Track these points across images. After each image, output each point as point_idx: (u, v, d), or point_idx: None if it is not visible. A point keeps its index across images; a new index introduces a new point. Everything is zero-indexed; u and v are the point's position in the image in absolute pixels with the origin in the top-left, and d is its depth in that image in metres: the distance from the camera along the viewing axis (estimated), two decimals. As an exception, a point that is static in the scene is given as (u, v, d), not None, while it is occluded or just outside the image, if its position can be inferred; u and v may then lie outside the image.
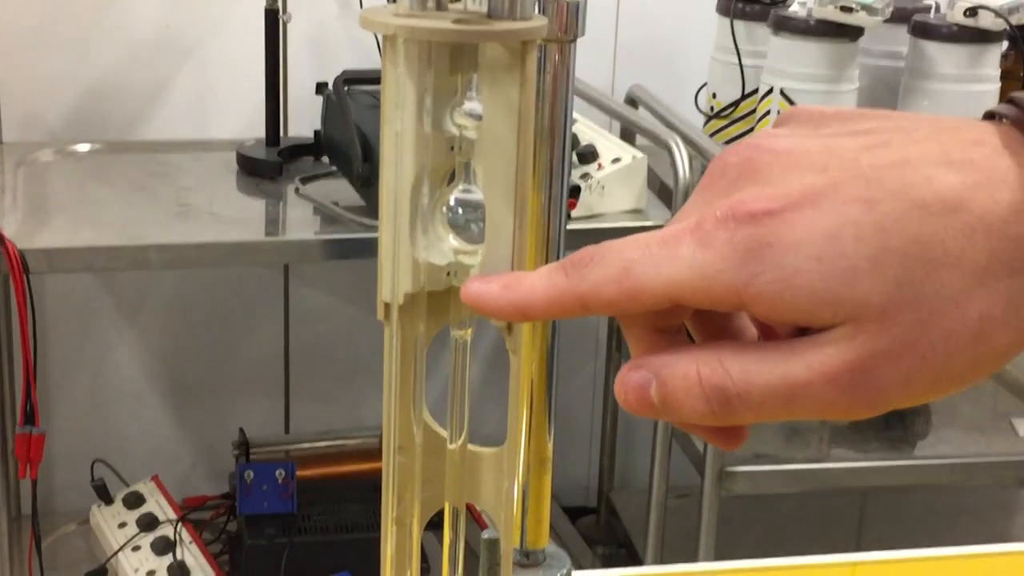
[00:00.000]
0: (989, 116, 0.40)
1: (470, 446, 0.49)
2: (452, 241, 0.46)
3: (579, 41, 0.58)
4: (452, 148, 0.45)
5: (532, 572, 0.57)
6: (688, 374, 0.39)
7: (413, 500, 0.48)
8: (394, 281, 0.46)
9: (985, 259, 0.37)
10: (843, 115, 0.42)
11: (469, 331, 0.48)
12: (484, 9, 0.44)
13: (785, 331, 0.41)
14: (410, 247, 0.45)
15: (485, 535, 0.56)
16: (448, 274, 0.46)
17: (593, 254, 0.41)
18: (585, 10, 0.56)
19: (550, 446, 0.56)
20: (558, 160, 0.49)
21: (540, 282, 0.41)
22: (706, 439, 0.43)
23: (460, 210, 0.46)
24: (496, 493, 0.48)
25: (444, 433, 0.49)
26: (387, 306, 0.46)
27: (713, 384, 0.39)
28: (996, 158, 0.38)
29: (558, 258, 0.49)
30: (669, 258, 0.39)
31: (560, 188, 0.52)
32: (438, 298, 0.47)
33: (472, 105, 0.45)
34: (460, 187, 0.46)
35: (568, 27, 0.55)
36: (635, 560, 2.05)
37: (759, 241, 0.38)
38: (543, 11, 0.56)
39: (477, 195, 0.46)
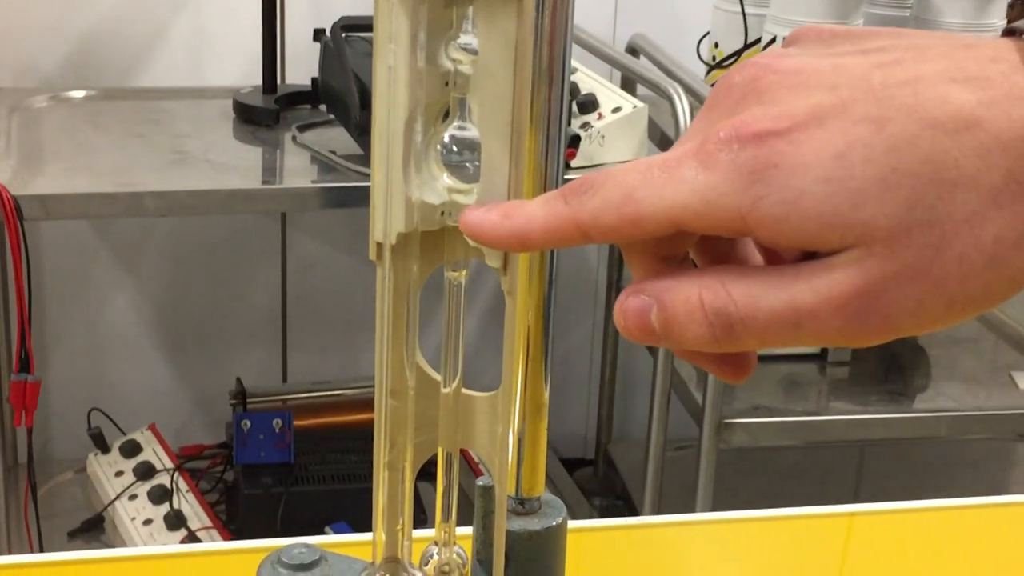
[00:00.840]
0: (1009, 32, 0.38)
1: (464, 390, 0.48)
2: (446, 180, 0.45)
3: (580, -16, 0.56)
4: (447, 84, 0.44)
5: (527, 520, 0.56)
6: (690, 298, 0.38)
7: (406, 445, 0.47)
8: (387, 220, 0.44)
9: (1000, 179, 0.36)
10: (854, 34, 0.40)
11: (464, 272, 0.47)
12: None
13: (791, 257, 0.40)
14: (403, 185, 0.44)
15: (480, 482, 0.56)
16: (442, 213, 0.45)
17: (593, 180, 0.40)
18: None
19: (546, 392, 0.55)
20: (556, 101, 0.48)
21: (539, 210, 0.40)
22: (711, 370, 0.42)
23: (455, 148, 0.45)
24: (490, 438, 0.47)
25: (438, 377, 0.48)
26: (379, 246, 0.45)
27: (716, 308, 0.38)
28: (1014, 74, 0.36)
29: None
30: (671, 182, 0.38)
31: (558, 131, 0.50)
32: (432, 238, 0.46)
33: (467, 39, 0.44)
34: (455, 124, 0.45)
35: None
36: (632, 512, 2.05)
37: (764, 162, 0.36)
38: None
39: (472, 132, 0.44)
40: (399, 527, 0.48)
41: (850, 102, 0.37)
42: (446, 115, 0.45)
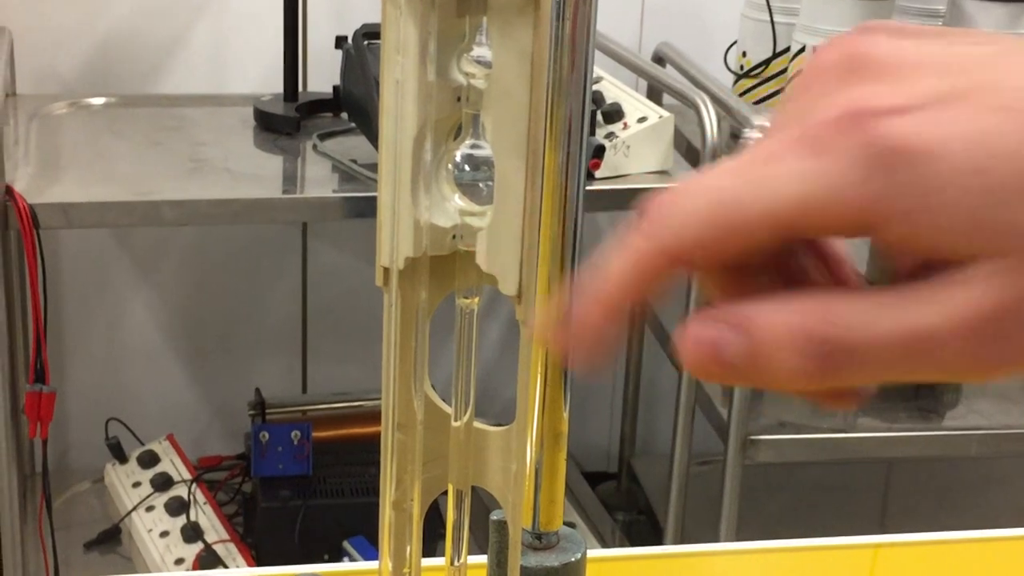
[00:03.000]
0: None
1: (476, 423, 0.45)
2: (458, 201, 0.42)
3: (604, -8, 0.54)
4: (459, 99, 0.41)
5: (544, 555, 0.53)
6: (790, 324, 0.31)
7: (413, 482, 0.44)
8: (394, 244, 0.42)
9: None
10: (930, 30, 0.34)
11: (476, 299, 0.44)
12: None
13: (905, 268, 0.33)
14: (412, 207, 0.41)
15: (494, 516, 0.53)
16: (453, 237, 0.43)
17: (667, 198, 0.33)
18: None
19: (565, 421, 0.52)
20: (577, 115, 0.45)
21: (615, 262, 0.34)
22: (813, 401, 0.35)
23: (467, 167, 0.42)
24: (504, 476, 0.45)
25: (448, 410, 0.45)
26: (386, 271, 0.42)
27: (820, 336, 0.31)
28: None
29: (576, 223, 0.45)
30: (776, 176, 0.31)
31: (579, 146, 0.47)
32: (442, 263, 0.43)
33: (481, 51, 0.41)
34: (467, 142, 0.42)
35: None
36: (656, 528, 2.02)
37: (889, 146, 0.30)
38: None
39: (486, 151, 0.42)
40: (406, 569, 0.45)
41: (977, 88, 0.31)
42: (458, 132, 0.42)
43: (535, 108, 0.40)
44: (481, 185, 0.42)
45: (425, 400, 0.44)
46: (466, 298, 0.44)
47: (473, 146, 0.42)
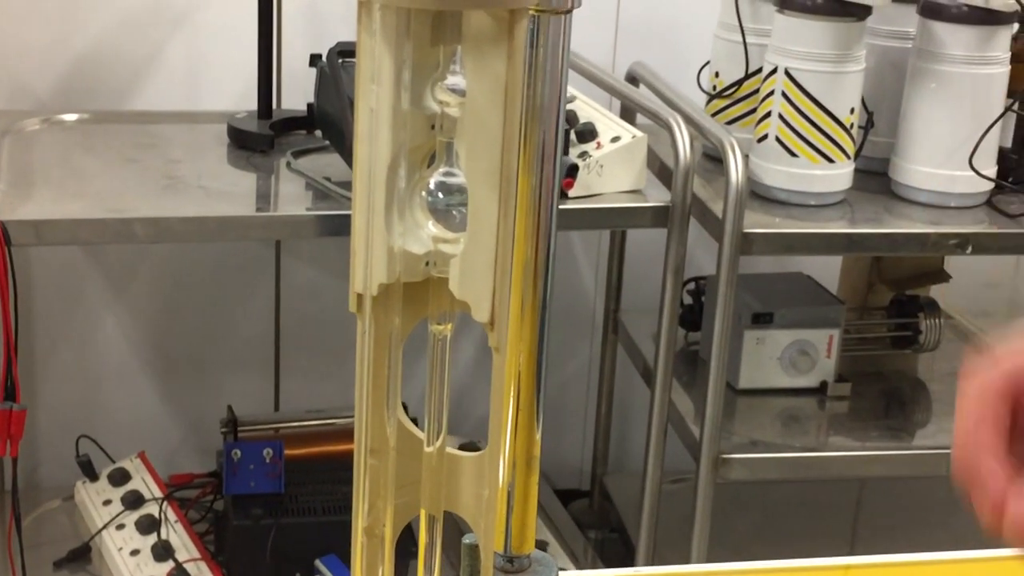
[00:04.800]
0: None
1: (449, 449, 0.45)
2: (431, 228, 0.43)
3: (579, 17, 0.54)
4: (432, 127, 0.42)
5: (516, 579, 0.53)
6: None
7: (385, 507, 0.44)
8: (367, 270, 0.42)
9: None
10: None
11: (449, 326, 0.45)
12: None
13: None
14: (385, 234, 0.42)
15: (466, 540, 0.53)
16: (427, 264, 0.43)
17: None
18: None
19: (539, 444, 0.52)
20: (551, 141, 0.45)
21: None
22: None
23: (441, 194, 0.42)
24: (477, 501, 0.45)
25: (421, 435, 0.45)
26: (360, 297, 0.42)
27: None
28: None
29: (549, 248, 0.45)
30: None
31: (553, 171, 0.48)
32: (416, 289, 0.43)
33: (455, 80, 0.42)
34: (441, 169, 0.42)
35: (564, -3, 0.51)
36: (628, 546, 2.02)
37: None
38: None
39: (459, 178, 0.42)
40: (377, 594, 0.45)
41: None
42: (432, 159, 0.43)
43: (508, 137, 0.40)
44: (455, 212, 0.43)
45: (398, 426, 0.44)
46: (439, 324, 0.44)
47: (447, 173, 0.42)
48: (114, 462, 1.88)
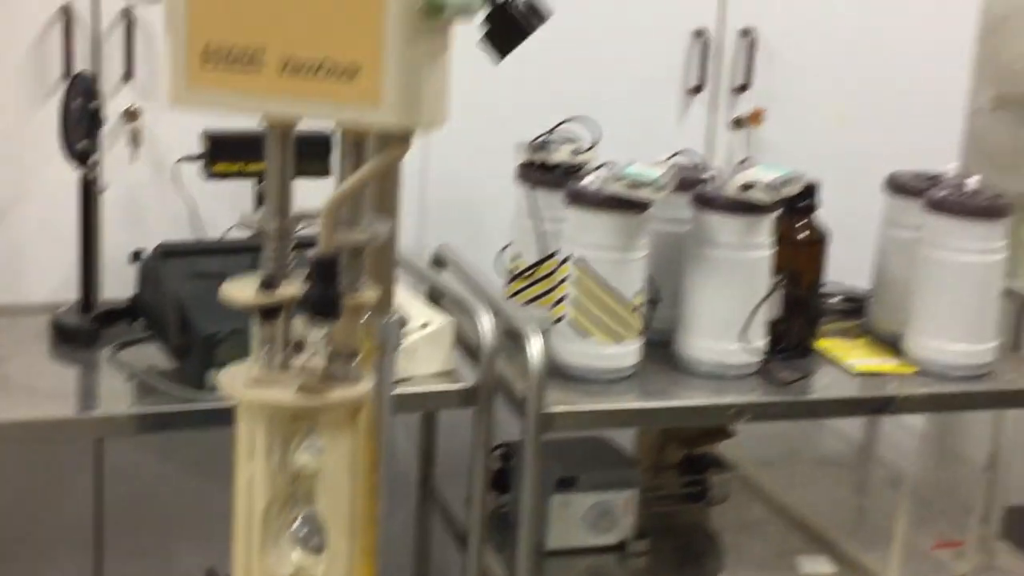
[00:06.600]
0: None
1: None
2: (295, 557, 0.54)
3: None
4: (295, 479, 0.53)
5: None
6: None
7: None
8: (247, 595, 0.53)
9: None
10: None
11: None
12: (324, 364, 0.52)
13: None
14: (261, 565, 0.53)
15: None
16: (294, 585, 0.54)
17: None
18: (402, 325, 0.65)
19: None
20: (382, 448, 0.57)
21: None
22: None
23: (306, 529, 0.54)
24: None
25: None
26: (240, 616, 0.53)
27: None
28: None
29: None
30: None
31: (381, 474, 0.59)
32: (285, 606, 0.54)
33: (313, 439, 0.53)
34: (304, 511, 0.54)
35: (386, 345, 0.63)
36: None
37: None
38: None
39: (319, 516, 0.53)
40: None
41: None
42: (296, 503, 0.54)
43: (356, 492, 0.52)
44: (316, 538, 0.54)
45: None
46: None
47: (308, 514, 0.54)
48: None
